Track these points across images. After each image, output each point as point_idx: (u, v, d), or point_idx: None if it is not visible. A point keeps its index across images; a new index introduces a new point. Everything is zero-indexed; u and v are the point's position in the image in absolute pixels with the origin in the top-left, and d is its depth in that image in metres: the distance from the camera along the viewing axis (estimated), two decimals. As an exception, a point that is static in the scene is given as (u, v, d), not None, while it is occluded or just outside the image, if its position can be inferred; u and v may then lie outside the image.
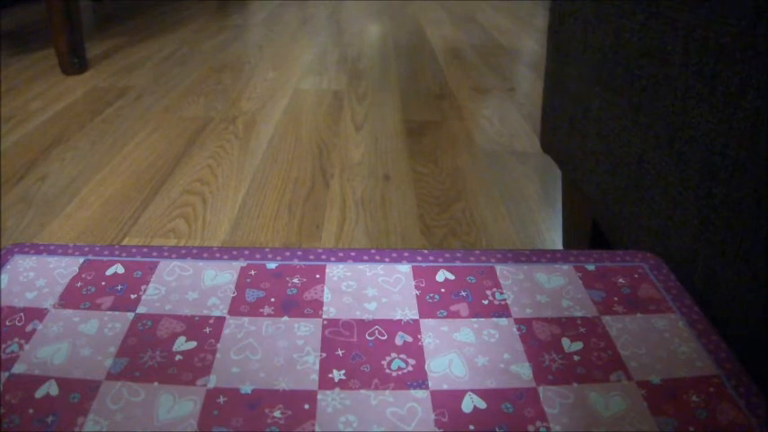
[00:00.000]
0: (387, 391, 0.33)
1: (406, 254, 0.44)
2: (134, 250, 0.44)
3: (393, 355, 0.35)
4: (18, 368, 0.34)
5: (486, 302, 0.40)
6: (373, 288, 0.41)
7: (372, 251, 0.45)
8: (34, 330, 0.36)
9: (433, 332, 0.37)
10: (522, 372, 0.34)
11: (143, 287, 0.40)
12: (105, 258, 0.43)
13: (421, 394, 0.33)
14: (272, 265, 0.43)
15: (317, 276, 0.42)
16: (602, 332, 0.37)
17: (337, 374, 0.34)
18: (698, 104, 0.40)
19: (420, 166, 1.03)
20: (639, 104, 0.48)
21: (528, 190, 0.95)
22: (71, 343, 0.35)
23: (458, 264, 0.43)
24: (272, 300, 0.39)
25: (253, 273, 0.42)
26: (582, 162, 0.60)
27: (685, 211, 0.42)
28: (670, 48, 0.43)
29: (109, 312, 0.38)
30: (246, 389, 0.33)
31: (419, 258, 0.44)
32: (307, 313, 0.38)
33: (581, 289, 0.41)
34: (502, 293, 0.41)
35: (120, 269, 0.42)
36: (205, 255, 0.44)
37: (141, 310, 0.38)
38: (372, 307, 0.39)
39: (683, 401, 0.33)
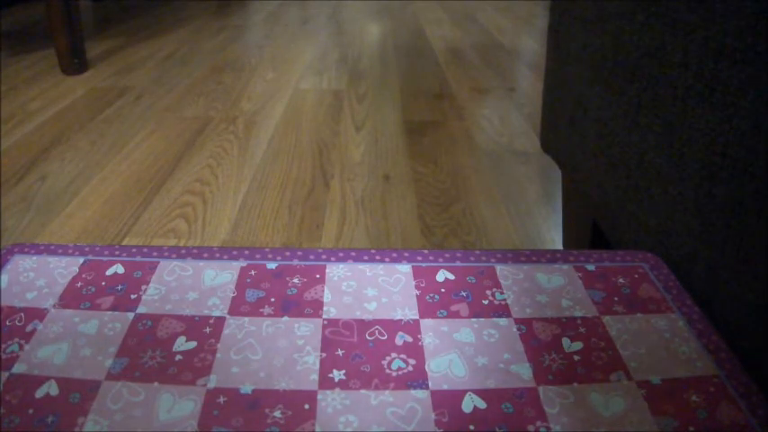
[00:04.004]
0: (387, 391, 0.33)
1: (406, 254, 0.44)
2: (134, 250, 0.44)
3: (393, 355, 0.35)
4: (18, 368, 0.34)
5: (486, 302, 0.40)
6: (373, 288, 0.41)
7: (372, 251, 0.45)
8: (34, 330, 0.36)
9: (433, 332, 0.37)
10: (522, 372, 0.34)
11: (143, 287, 0.40)
12: (105, 258, 0.43)
13: (421, 394, 0.33)
14: (272, 265, 0.43)
15: (317, 276, 0.42)
16: (603, 332, 0.37)
17: (337, 374, 0.34)
18: (698, 104, 0.40)
19: (420, 166, 1.03)
20: (639, 104, 0.48)
21: (528, 190, 0.95)
22: (71, 343, 0.35)
23: (458, 264, 0.43)
24: (272, 300, 0.39)
25: (253, 273, 0.42)
26: (582, 162, 0.60)
27: (685, 211, 0.42)
28: (670, 48, 0.43)
29: (109, 312, 0.38)
30: (246, 389, 0.33)
31: (419, 258, 0.44)
32: (307, 313, 0.38)
33: (581, 289, 0.41)
34: (502, 293, 0.41)
35: (120, 269, 0.42)
36: (205, 255, 0.44)
37: (141, 310, 0.38)
38: (372, 307, 0.39)
39: (683, 401, 0.33)
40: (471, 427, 0.31)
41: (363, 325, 0.38)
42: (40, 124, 1.19)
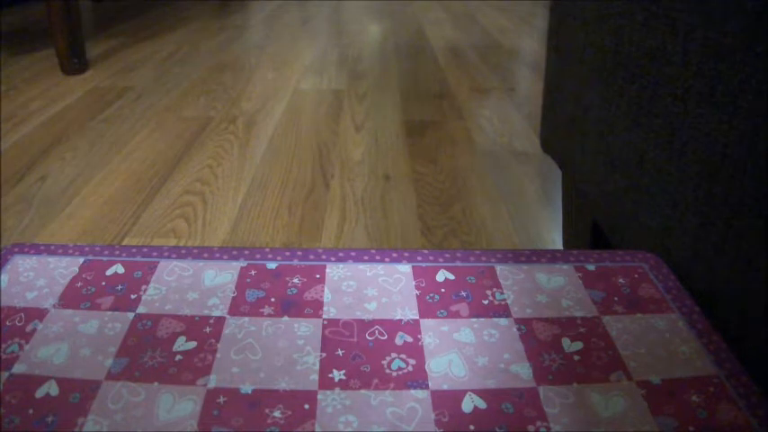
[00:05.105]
0: (387, 391, 0.33)
1: (406, 254, 0.44)
2: (134, 250, 0.44)
3: (393, 355, 0.35)
4: (18, 368, 0.34)
5: (486, 302, 0.40)
6: (373, 288, 0.41)
7: (372, 251, 0.45)
8: (34, 330, 0.36)
9: (433, 332, 0.37)
10: (522, 372, 0.34)
11: (143, 287, 0.40)
12: (105, 258, 0.43)
13: (421, 394, 0.33)
14: (272, 265, 0.43)
15: (317, 276, 0.42)
16: (603, 332, 0.37)
17: (337, 374, 0.34)
18: (698, 104, 0.40)
19: (420, 166, 1.03)
20: (639, 104, 0.48)
21: (528, 190, 0.95)
22: (71, 343, 0.35)
23: (458, 264, 0.43)
24: (272, 300, 0.39)
25: (253, 273, 0.42)
26: (582, 162, 0.60)
27: (685, 211, 0.42)
28: (670, 48, 0.43)
29: (109, 312, 0.38)
30: (246, 389, 0.33)
31: (419, 258, 0.44)
32: (307, 313, 0.38)
33: (581, 289, 0.41)
34: (502, 293, 0.41)
35: (120, 269, 0.42)
36: (205, 255, 0.44)
37: (141, 310, 0.38)
38: (372, 307, 0.39)
39: (683, 401, 0.33)
40: (471, 427, 0.31)
41: (363, 325, 0.38)
42: (40, 124, 1.19)
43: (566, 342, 0.37)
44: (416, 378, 0.34)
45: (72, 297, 0.39)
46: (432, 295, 0.40)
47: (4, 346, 0.35)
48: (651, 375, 0.34)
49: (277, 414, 0.31)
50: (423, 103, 1.33)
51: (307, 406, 0.32)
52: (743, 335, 0.37)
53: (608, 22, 0.52)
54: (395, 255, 0.44)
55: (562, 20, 0.64)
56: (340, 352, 0.35)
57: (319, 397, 0.32)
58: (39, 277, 0.41)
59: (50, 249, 0.44)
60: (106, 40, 1.86)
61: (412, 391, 0.33)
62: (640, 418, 0.32)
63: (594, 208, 0.59)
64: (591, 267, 0.43)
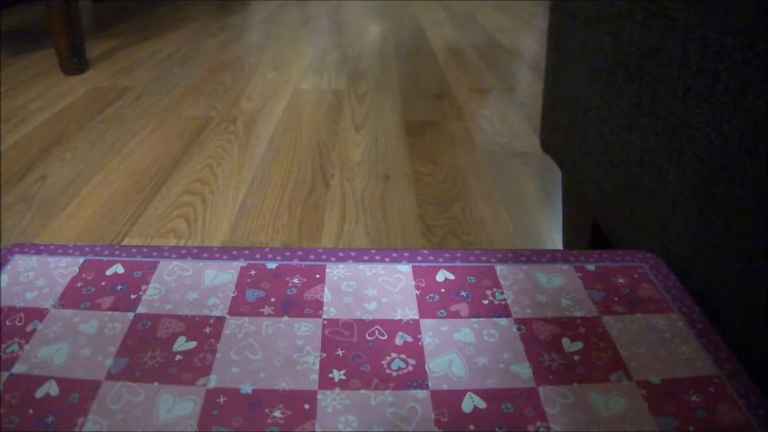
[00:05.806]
0: (387, 391, 0.33)
1: (406, 254, 0.44)
2: (134, 250, 0.44)
3: (393, 355, 0.35)
4: (18, 368, 0.34)
5: (486, 302, 0.40)
6: (373, 288, 0.41)
7: (372, 251, 0.45)
8: (34, 330, 0.36)
9: (432, 332, 0.37)
10: (522, 372, 0.34)
11: (143, 287, 0.40)
12: (105, 258, 0.43)
13: (421, 394, 0.33)
14: (272, 265, 0.43)
15: (317, 276, 0.42)
16: (603, 332, 0.37)
17: (337, 374, 0.34)
18: (698, 104, 0.40)
19: (420, 166, 1.03)
20: (639, 104, 0.48)
21: (528, 190, 0.95)
22: (71, 343, 0.35)
23: (458, 264, 0.43)
24: (272, 300, 0.39)
25: (253, 273, 0.42)
26: (582, 162, 0.60)
27: (685, 211, 0.42)
28: (670, 48, 0.43)
29: (109, 312, 0.38)
30: (246, 389, 0.33)
31: (419, 258, 0.44)
32: (307, 313, 0.38)
33: (581, 289, 0.41)
34: (502, 293, 0.41)
35: (120, 269, 0.42)
36: (205, 255, 0.44)
37: (141, 310, 0.38)
38: (372, 307, 0.39)
39: (683, 401, 0.33)
40: (471, 427, 0.31)
41: (363, 325, 0.38)
42: (40, 124, 1.19)
43: (566, 342, 0.37)
44: (416, 378, 0.34)
45: (72, 297, 0.39)
46: (432, 295, 0.40)
47: (4, 346, 0.35)
48: (651, 375, 0.34)
49: (277, 414, 0.31)
50: (423, 103, 1.33)
51: (307, 406, 0.32)
52: (743, 335, 0.37)
53: (608, 22, 0.52)
54: (395, 255, 0.44)
55: (562, 20, 0.64)
56: (340, 352, 0.35)
57: (319, 397, 0.32)
58: (39, 277, 0.41)
59: (50, 249, 0.44)
60: (106, 40, 1.86)
61: (412, 392, 0.33)
62: (640, 418, 0.32)
63: (594, 208, 0.59)
64: (591, 267, 0.43)
